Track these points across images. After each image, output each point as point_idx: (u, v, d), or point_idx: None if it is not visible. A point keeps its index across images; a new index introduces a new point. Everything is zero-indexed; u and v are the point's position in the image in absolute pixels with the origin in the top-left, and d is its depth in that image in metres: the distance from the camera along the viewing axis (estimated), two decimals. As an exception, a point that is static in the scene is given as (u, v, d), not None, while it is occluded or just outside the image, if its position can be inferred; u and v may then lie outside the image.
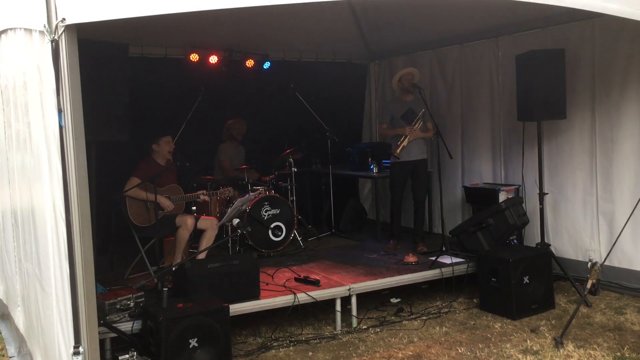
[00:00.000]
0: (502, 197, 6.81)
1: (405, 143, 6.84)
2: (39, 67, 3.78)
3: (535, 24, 6.68)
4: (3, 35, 4.88)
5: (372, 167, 7.91)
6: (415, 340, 5.11)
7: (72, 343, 3.55)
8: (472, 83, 7.67)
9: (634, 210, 5.69)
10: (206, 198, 6.33)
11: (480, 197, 7.19)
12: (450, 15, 6.81)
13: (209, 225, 6.13)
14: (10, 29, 4.59)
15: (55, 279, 3.84)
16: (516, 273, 5.55)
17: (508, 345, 4.90)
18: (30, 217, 4.45)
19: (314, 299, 5.37)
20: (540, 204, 6.37)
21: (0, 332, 5.75)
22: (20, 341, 5.10)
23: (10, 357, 5.13)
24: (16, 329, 5.24)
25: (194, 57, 7.69)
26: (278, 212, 7.18)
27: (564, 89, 6.13)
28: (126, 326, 4.63)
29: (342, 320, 5.47)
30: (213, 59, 7.79)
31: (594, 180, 6.33)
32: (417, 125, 6.85)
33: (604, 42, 6.14)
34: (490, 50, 7.37)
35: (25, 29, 4.11)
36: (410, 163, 6.95)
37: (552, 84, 6.06)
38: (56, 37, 3.39)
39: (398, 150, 6.87)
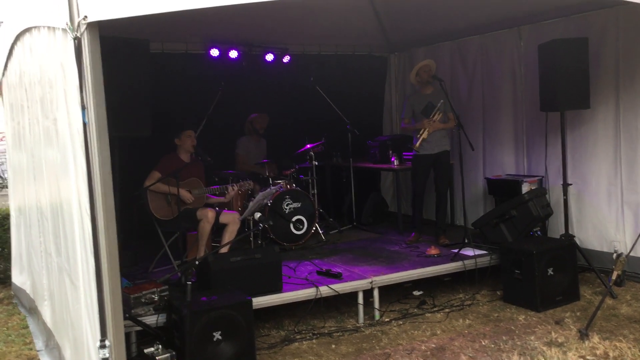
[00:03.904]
0: (525, 188, 6.74)
1: (425, 136, 6.80)
2: (63, 65, 3.83)
3: (557, 12, 6.58)
4: (27, 34, 4.95)
5: (393, 159, 7.88)
6: (439, 332, 5.10)
7: (99, 336, 3.60)
8: (493, 73, 7.59)
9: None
10: (234, 189, 6.38)
11: (502, 189, 7.12)
12: (471, 4, 6.74)
13: (231, 219, 6.17)
14: (34, 27, 4.65)
15: (82, 273, 3.90)
16: (540, 265, 5.50)
17: (532, 337, 4.87)
18: (59, 213, 4.51)
19: (336, 292, 5.38)
20: (564, 195, 6.30)
21: (28, 326, 5.86)
22: (48, 335, 5.19)
23: (38, 351, 5.23)
24: (43, 323, 5.33)
25: (214, 52, 7.72)
26: (299, 205, 7.19)
27: (587, 78, 6.05)
28: (151, 319, 4.69)
29: (365, 313, 5.47)
30: (233, 54, 7.81)
31: (618, 170, 6.24)
32: (436, 117, 6.81)
33: (628, 30, 6.04)
34: (512, 40, 7.29)
35: (48, 27, 4.16)
36: (433, 155, 6.91)
37: (575, 73, 5.98)
38: (78, 35, 3.42)
39: (417, 144, 6.84)
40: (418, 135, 6.85)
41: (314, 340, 5.04)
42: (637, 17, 5.87)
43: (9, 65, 6.16)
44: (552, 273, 5.57)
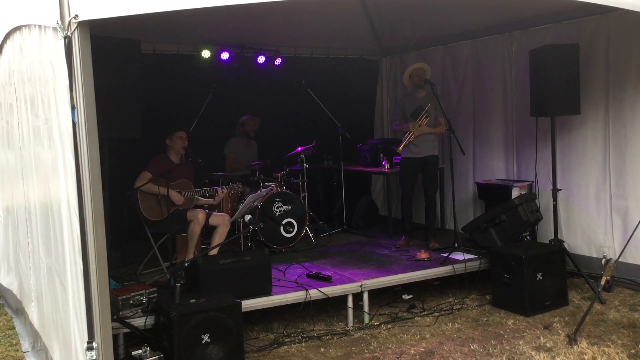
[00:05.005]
0: (515, 193, 6.77)
1: (410, 139, 6.81)
2: (53, 64, 3.80)
3: (549, 18, 6.62)
4: (17, 32, 4.92)
5: (384, 163, 7.89)
6: (428, 336, 5.10)
7: (86, 338, 3.58)
8: (484, 78, 7.62)
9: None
10: (224, 191, 6.39)
11: (492, 193, 7.15)
12: (463, 10, 6.77)
13: (221, 221, 6.15)
14: (25, 25, 4.62)
15: (70, 274, 3.87)
16: (529, 269, 5.52)
17: (521, 342, 4.88)
18: (49, 213, 4.48)
19: (326, 295, 5.37)
20: (553, 200, 6.33)
21: (14, 327, 5.81)
22: (35, 336, 5.14)
23: (24, 352, 5.18)
24: (30, 324, 5.28)
25: (206, 53, 7.71)
26: (290, 208, 7.18)
27: (577, 84, 6.08)
28: (139, 321, 4.66)
29: (354, 317, 5.47)
30: (224, 55, 7.80)
31: (607, 176, 6.28)
32: (422, 121, 6.80)
33: (619, 36, 6.08)
34: (503, 45, 7.32)
35: (38, 26, 4.14)
36: (420, 159, 6.91)
37: (566, 79, 6.00)
38: (69, 34, 3.40)
39: (400, 147, 6.85)
40: (403, 138, 6.86)
41: (303, 344, 5.02)
42: (628, 24, 5.91)
43: (-2, 63, 6.12)
44: (541, 278, 5.59)
